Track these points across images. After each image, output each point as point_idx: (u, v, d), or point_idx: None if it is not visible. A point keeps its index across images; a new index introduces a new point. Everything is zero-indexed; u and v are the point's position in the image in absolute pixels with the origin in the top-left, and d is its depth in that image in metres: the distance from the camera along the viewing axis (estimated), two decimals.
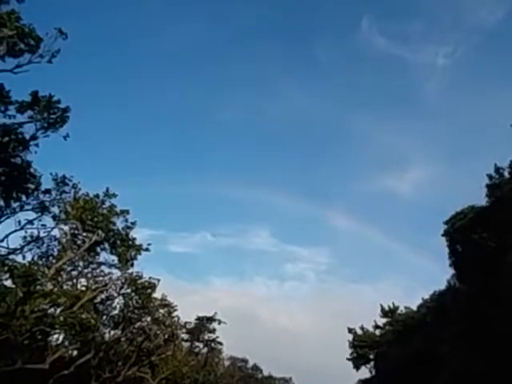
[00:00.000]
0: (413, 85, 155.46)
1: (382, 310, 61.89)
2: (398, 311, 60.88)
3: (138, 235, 30.58)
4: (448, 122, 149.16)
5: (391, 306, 61.53)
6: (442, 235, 37.27)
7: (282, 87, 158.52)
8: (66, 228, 27.94)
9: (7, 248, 24.94)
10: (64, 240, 27.92)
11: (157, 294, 39.38)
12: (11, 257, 25.55)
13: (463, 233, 35.91)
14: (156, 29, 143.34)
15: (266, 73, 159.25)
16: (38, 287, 25.06)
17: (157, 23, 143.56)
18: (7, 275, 25.34)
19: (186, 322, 57.12)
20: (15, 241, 26.19)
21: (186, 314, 59.53)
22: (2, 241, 24.46)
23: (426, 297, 53.59)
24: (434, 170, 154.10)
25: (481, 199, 35.53)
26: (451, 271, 39.87)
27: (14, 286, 25.41)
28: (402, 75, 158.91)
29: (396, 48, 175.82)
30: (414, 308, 57.09)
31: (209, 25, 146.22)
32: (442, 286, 45.81)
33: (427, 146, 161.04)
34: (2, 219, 24.21)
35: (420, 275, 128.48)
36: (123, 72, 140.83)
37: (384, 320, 62.46)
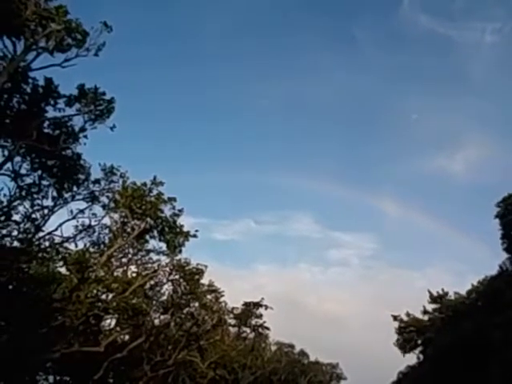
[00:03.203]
0: (461, 62, 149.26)
1: (431, 295, 60.73)
2: (448, 297, 59.57)
3: (184, 223, 31.17)
4: (500, 99, 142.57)
5: (440, 291, 60.27)
6: (496, 217, 35.95)
7: (322, 68, 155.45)
8: (116, 216, 28.82)
9: (61, 236, 25.89)
10: (114, 228, 28.78)
11: (204, 280, 40.15)
12: (65, 245, 26.63)
13: None
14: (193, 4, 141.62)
15: (308, 56, 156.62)
16: (91, 273, 26.04)
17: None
18: (61, 262, 26.49)
19: (233, 308, 57.88)
20: (68, 230, 27.20)
21: (233, 299, 60.30)
22: (56, 230, 25.37)
23: (477, 282, 52.16)
24: (488, 149, 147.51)
25: None
26: (503, 256, 38.53)
27: (68, 273, 26.53)
28: (449, 53, 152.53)
29: (440, 26, 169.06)
30: (464, 294, 55.68)
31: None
32: (494, 271, 44.41)
33: (479, 125, 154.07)
34: (55, 209, 25.13)
35: (471, 260, 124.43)
36: (162, 57, 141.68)
37: (433, 306, 61.33)
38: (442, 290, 59.97)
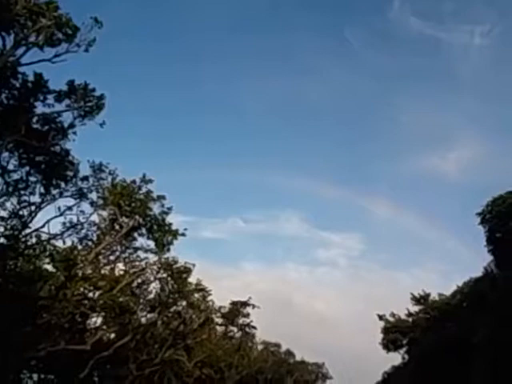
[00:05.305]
0: (451, 63, 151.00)
1: (413, 297, 61.30)
2: (431, 298, 60.16)
3: (172, 221, 31.07)
4: (491, 100, 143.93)
5: (422, 293, 60.87)
6: (481, 221, 36.28)
7: (315, 67, 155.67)
8: (104, 213, 28.65)
9: (48, 233, 25.69)
10: (103, 225, 28.61)
11: (192, 279, 40.08)
12: (52, 242, 26.39)
13: (502, 218, 34.91)
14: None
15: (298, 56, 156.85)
16: (79, 271, 25.85)
17: None
18: (48, 260, 26.26)
19: (220, 307, 57.86)
20: (55, 227, 26.96)
21: (221, 298, 60.15)
22: (43, 226, 25.17)
23: (462, 283, 52.68)
24: (479, 149, 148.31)
25: None
26: (488, 258, 38.90)
27: (54, 270, 26.30)
28: (439, 54, 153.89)
29: (430, 28, 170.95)
30: (449, 295, 56.24)
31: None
32: (479, 272, 44.82)
33: (472, 125, 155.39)
34: (42, 206, 24.93)
35: (459, 261, 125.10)
36: (158, 53, 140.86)
37: (416, 307, 61.91)
38: (423, 291, 60.60)
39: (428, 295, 60.24)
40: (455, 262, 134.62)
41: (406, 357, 63.83)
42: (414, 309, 61.99)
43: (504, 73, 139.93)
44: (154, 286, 38.12)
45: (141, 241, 31.55)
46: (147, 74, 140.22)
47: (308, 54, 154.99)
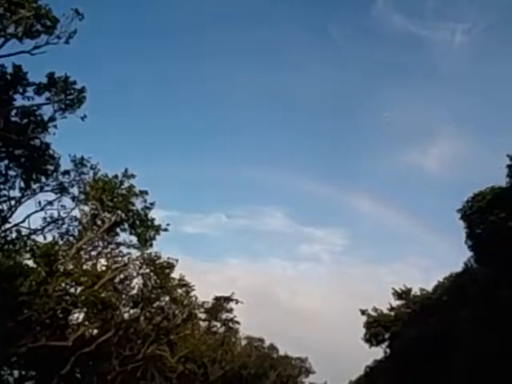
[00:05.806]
0: (433, 61, 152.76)
1: (395, 292, 62.00)
2: (412, 292, 60.91)
3: (154, 216, 30.90)
4: (472, 96, 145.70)
5: (403, 288, 61.58)
6: (460, 217, 36.74)
7: (298, 62, 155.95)
8: (86, 208, 28.43)
9: (28, 228, 25.41)
10: (84, 220, 28.36)
11: (175, 274, 39.99)
12: (32, 237, 26.07)
13: (482, 214, 35.36)
14: None
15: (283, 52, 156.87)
16: (60, 266, 25.59)
17: None
18: (29, 255, 25.94)
19: (203, 302, 57.76)
20: (36, 221, 26.65)
21: (204, 293, 60.09)
22: (23, 221, 24.92)
23: (442, 278, 53.42)
24: (460, 145, 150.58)
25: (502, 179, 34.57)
26: (469, 253, 39.43)
27: (35, 266, 25.99)
28: (421, 51, 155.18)
29: (412, 25, 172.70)
30: (430, 290, 57.01)
31: None
32: (459, 268, 45.44)
33: (454, 121, 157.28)
34: (22, 200, 24.62)
35: (440, 257, 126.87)
36: (142, 50, 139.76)
37: (398, 302, 62.61)
38: (405, 286, 61.35)
39: (410, 290, 60.98)
40: (436, 258, 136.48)
41: (388, 351, 64.55)
42: (397, 303, 62.84)
43: (485, 70, 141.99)
44: (137, 282, 37.97)
45: (123, 236, 31.44)
46: (131, 70, 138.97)
47: (292, 50, 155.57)
